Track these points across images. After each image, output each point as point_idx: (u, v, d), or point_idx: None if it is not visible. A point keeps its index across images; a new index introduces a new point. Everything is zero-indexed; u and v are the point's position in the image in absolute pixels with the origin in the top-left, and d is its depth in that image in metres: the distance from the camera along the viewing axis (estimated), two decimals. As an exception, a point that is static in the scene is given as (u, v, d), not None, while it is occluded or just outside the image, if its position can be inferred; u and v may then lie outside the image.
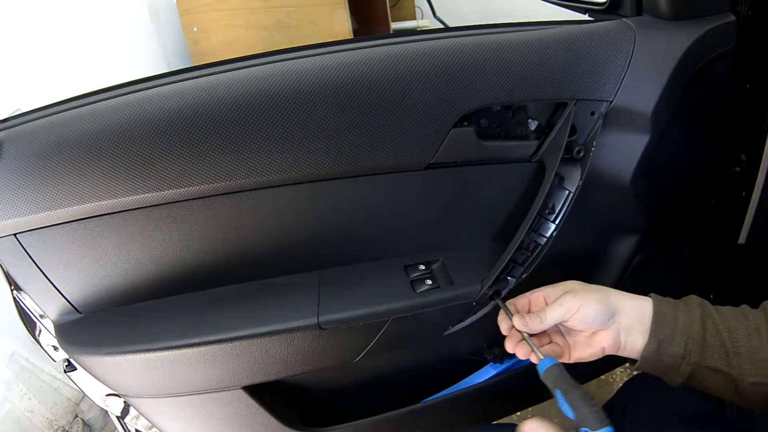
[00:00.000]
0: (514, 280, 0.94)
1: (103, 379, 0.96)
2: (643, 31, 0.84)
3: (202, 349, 0.88)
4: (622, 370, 1.89)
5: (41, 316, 0.98)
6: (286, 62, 0.84)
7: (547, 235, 0.90)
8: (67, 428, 1.85)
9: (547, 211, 0.90)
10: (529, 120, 0.88)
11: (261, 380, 0.97)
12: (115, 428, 1.95)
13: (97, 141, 0.80)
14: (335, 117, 0.81)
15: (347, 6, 2.18)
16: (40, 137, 0.82)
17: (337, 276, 0.94)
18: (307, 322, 0.88)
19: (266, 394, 1.00)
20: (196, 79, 0.84)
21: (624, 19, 0.88)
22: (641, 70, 0.83)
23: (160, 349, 0.88)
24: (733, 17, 0.84)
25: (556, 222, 0.89)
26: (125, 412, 1.08)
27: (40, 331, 1.03)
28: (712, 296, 1.27)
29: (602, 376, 1.89)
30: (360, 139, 0.82)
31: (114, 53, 2.12)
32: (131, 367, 0.92)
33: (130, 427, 1.23)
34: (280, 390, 1.03)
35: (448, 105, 0.82)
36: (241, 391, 0.97)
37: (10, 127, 0.83)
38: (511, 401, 1.25)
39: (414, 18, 2.95)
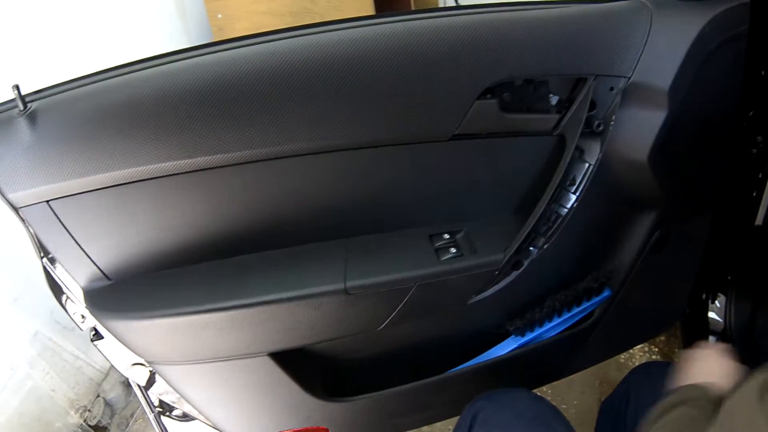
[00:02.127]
0: (536, 250, 0.96)
1: (131, 345, 0.97)
2: (659, 11, 0.87)
3: (230, 313, 0.90)
4: (642, 354, 1.89)
5: (70, 283, 0.99)
6: (318, 35, 0.86)
7: (568, 206, 0.93)
8: (88, 407, 1.87)
9: (567, 183, 0.93)
10: (550, 95, 0.91)
11: (287, 346, 0.98)
12: (138, 406, 1.96)
13: (130, 109, 0.83)
14: (364, 88, 0.83)
15: (371, -8, 2.18)
16: (74, 106, 0.84)
17: (363, 244, 0.96)
18: (335, 287, 0.90)
19: (291, 362, 1.01)
20: (231, 51, 0.86)
21: None
22: (658, 48, 0.85)
23: (189, 314, 0.90)
24: None
25: (577, 194, 0.92)
26: (150, 382, 1.09)
27: (67, 299, 1.04)
28: (729, 278, 1.27)
29: (621, 359, 1.88)
30: (387, 109, 0.85)
31: (138, 38, 2.13)
32: (160, 332, 0.93)
33: (153, 399, 1.24)
34: (304, 359, 1.04)
35: (472, 78, 0.85)
36: (267, 358, 0.98)
37: (44, 96, 0.85)
38: (530, 376, 1.26)
39: (437, 5, 2.93)
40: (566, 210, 0.93)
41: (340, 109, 0.83)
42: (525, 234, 0.93)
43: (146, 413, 1.26)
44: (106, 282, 0.93)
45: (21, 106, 0.82)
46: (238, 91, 0.82)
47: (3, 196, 0.88)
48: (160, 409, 1.26)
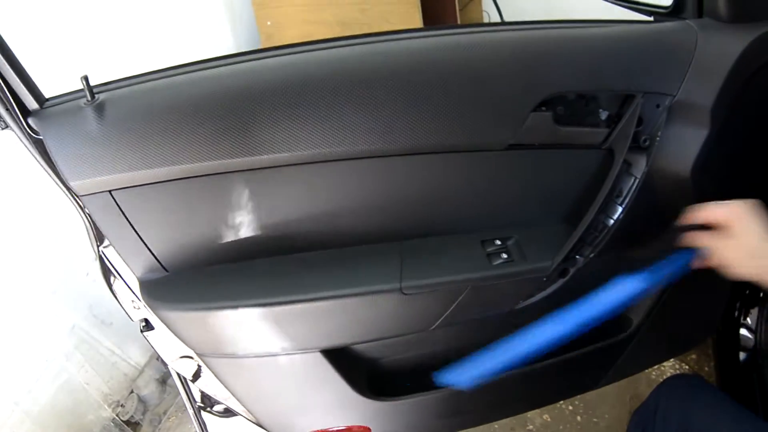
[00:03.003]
0: (582, 259, 0.98)
1: (183, 336, 0.98)
2: (704, 32, 0.89)
3: (285, 308, 0.91)
4: (673, 370, 1.88)
5: (126, 273, 1.01)
6: (382, 44, 0.90)
7: (614, 217, 0.94)
8: (122, 403, 1.88)
9: (615, 195, 0.95)
10: (600, 110, 0.93)
11: (340, 343, 1.01)
12: (172, 404, 1.97)
13: (196, 106, 0.85)
14: (426, 97, 0.86)
15: (420, 6, 2.20)
16: (141, 100, 0.86)
17: (417, 246, 0.98)
18: (391, 286, 0.92)
19: (340, 360, 1.02)
20: (294, 55, 0.89)
21: (687, 20, 0.93)
22: (702, 68, 0.87)
23: (246, 306, 0.91)
24: None
25: (623, 205, 0.94)
26: (197, 375, 1.10)
27: (120, 289, 1.05)
28: (761, 294, 1.28)
29: (653, 375, 1.86)
30: (447, 117, 0.87)
31: (188, 44, 2.18)
32: (214, 325, 0.94)
33: (195, 394, 1.25)
34: (352, 358, 1.06)
35: (528, 90, 0.87)
36: (319, 354, 1.00)
37: (112, 89, 0.88)
38: (568, 383, 1.28)
39: (482, 21, 2.95)
40: (612, 221, 0.94)
41: (402, 115, 0.86)
42: (573, 242, 0.95)
43: (186, 408, 1.27)
44: (163, 273, 0.95)
45: (89, 97, 0.84)
46: (303, 95, 0.84)
47: (65, 183, 0.90)
48: (201, 405, 1.27)
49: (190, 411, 1.29)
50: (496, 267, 0.95)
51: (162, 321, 0.97)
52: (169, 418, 1.97)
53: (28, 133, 0.85)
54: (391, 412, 1.10)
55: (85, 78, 0.83)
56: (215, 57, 0.92)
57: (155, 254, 0.93)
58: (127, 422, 1.87)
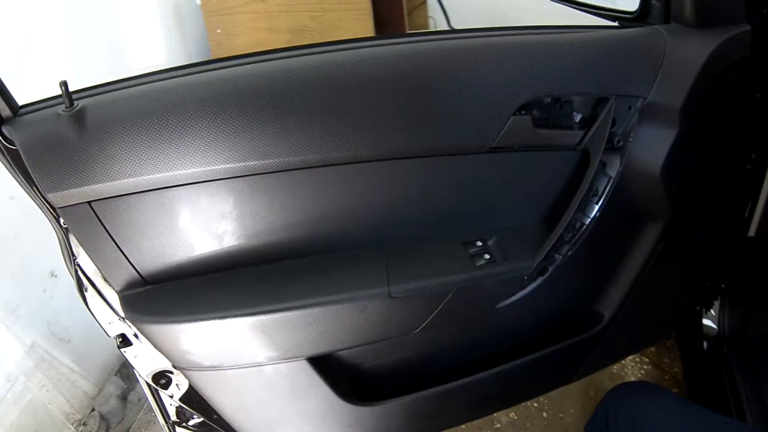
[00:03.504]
0: (560, 257, 1.01)
1: (166, 350, 0.97)
2: (673, 37, 0.93)
3: (272, 317, 0.91)
4: (633, 363, 1.95)
5: (102, 287, 0.99)
6: (361, 50, 0.90)
7: (591, 215, 0.98)
8: (84, 421, 1.84)
9: (591, 194, 0.98)
10: (575, 113, 0.96)
11: (328, 350, 1.01)
12: (134, 420, 1.94)
13: (179, 113, 0.83)
14: (410, 103, 0.87)
15: (371, 13, 2.23)
16: (121, 107, 0.84)
17: (402, 251, 0.99)
18: (379, 291, 0.93)
19: (324, 367, 1.03)
20: (277, 61, 0.89)
21: (656, 26, 0.97)
22: (672, 71, 0.91)
23: (230, 317, 0.90)
24: (748, 27, 0.92)
25: (599, 204, 0.97)
26: (175, 390, 1.10)
27: (95, 305, 1.04)
28: (723, 286, 1.36)
29: (614, 369, 1.94)
30: (433, 122, 0.89)
31: (136, 50, 2.14)
32: (198, 337, 0.94)
33: (170, 410, 1.24)
34: (336, 364, 1.06)
35: (509, 94, 0.90)
36: (304, 362, 1.00)
37: (91, 95, 0.85)
38: (544, 380, 1.32)
39: (427, 28, 3.00)
40: (589, 219, 0.98)
41: (386, 120, 0.87)
42: (553, 241, 0.99)
43: (160, 423, 1.26)
44: (143, 286, 0.94)
45: (67, 103, 0.81)
46: (286, 102, 0.85)
47: (41, 195, 0.86)
48: (177, 420, 1.26)
49: (164, 427, 1.28)
50: (480, 268, 0.98)
51: (144, 335, 0.96)
52: (133, 435, 1.94)
53: (2, 143, 0.81)
54: (373, 416, 1.11)
55: (64, 84, 0.80)
56: (196, 62, 0.91)
57: (135, 267, 0.92)
58: (92, 440, 1.83)
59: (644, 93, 0.93)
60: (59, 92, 0.84)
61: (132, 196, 0.86)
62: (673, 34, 0.94)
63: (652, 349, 1.95)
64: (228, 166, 0.85)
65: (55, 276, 1.78)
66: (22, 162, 0.82)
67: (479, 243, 1.02)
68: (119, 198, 0.85)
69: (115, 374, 2.02)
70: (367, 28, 2.23)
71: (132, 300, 0.93)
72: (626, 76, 0.93)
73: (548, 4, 1.35)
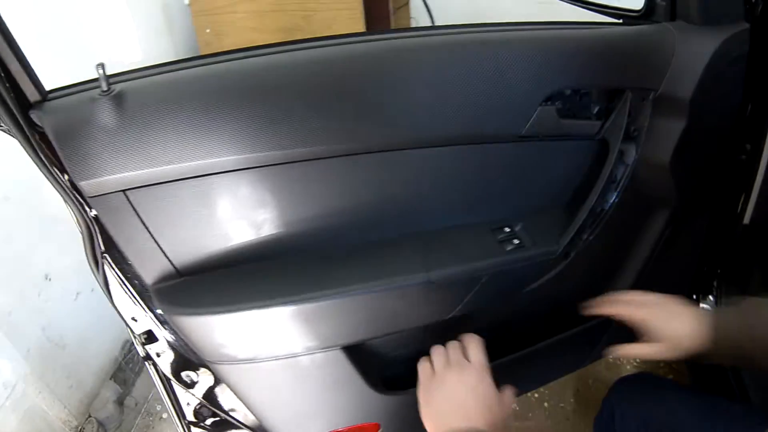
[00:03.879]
0: (582, 241, 1.06)
1: (200, 343, 0.96)
2: (681, 34, 0.98)
3: (311, 305, 0.91)
4: None
5: (132, 282, 0.98)
6: (404, 40, 0.93)
7: (610, 201, 1.03)
8: (80, 428, 1.79)
9: (610, 182, 1.03)
10: (593, 104, 1.01)
11: (364, 338, 1.02)
12: (132, 426, 1.89)
13: (219, 99, 0.82)
14: (450, 91, 0.89)
15: (363, 12, 2.24)
16: (163, 91, 0.82)
17: (435, 238, 1.02)
18: (420, 277, 0.95)
19: (357, 356, 1.03)
20: (321, 49, 0.89)
21: (664, 23, 1.02)
22: (680, 66, 0.97)
23: (269, 306, 0.90)
24: (747, 25, 0.98)
25: (617, 191, 1.02)
26: (202, 388, 1.10)
27: (120, 302, 1.02)
28: (719, 271, 1.42)
29: (610, 358, 1.97)
30: (470, 110, 0.91)
31: (125, 49, 2.10)
32: (235, 328, 0.93)
33: (185, 407, 1.22)
34: (367, 354, 1.07)
35: (537, 85, 0.93)
36: (340, 352, 1.00)
37: (128, 79, 0.83)
38: (558, 365, 1.36)
39: (410, 26, 3.03)
40: (609, 205, 1.03)
41: (426, 110, 0.89)
42: (577, 226, 1.03)
43: (175, 423, 1.24)
44: (178, 278, 0.92)
45: (104, 87, 0.78)
46: (328, 88, 0.85)
47: (70, 183, 0.84)
48: (194, 420, 1.24)
49: (179, 428, 1.26)
50: (510, 252, 1.01)
51: (177, 328, 0.94)
52: (131, 440, 1.90)
53: (29, 128, 0.78)
54: (402, 405, 1.12)
55: (102, 66, 0.77)
56: (235, 49, 0.89)
57: (170, 258, 0.90)
58: (89, 447, 1.79)
59: (656, 86, 0.97)
60: (85, 79, 0.82)
61: (168, 184, 0.84)
62: (680, 31, 0.98)
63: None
64: (262, 154, 0.84)
65: (49, 279, 1.73)
66: (49, 149, 0.79)
67: (507, 229, 1.05)
68: (155, 187, 0.83)
69: (110, 378, 1.97)
70: (359, 28, 2.23)
71: (166, 292, 0.92)
72: (640, 70, 0.98)
73: (529, 7, 1.39)
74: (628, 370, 1.96)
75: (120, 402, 1.96)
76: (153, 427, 1.92)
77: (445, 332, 1.13)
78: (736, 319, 0.90)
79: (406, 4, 3.00)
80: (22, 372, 1.61)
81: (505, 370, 1.16)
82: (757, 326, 0.86)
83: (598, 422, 1.18)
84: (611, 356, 1.15)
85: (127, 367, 2.05)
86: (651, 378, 1.18)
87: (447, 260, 0.98)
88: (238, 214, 0.90)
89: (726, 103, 1.05)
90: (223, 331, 0.94)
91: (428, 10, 2.76)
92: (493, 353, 1.13)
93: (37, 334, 1.69)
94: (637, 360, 1.97)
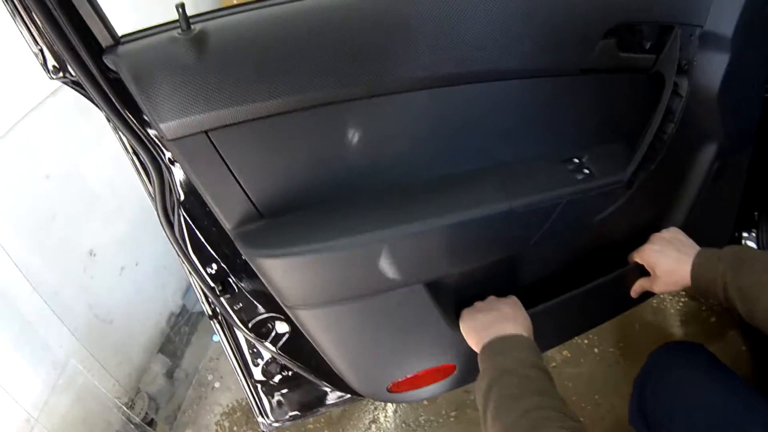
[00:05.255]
0: (644, 172, 1.07)
1: (282, 286, 0.95)
2: None
3: (394, 240, 0.91)
4: (671, 296, 2.03)
5: (208, 230, 0.97)
6: None
7: (668, 133, 1.04)
8: (130, 404, 1.79)
9: (667, 113, 1.04)
10: (645, 40, 1.03)
11: (447, 271, 1.03)
12: (184, 398, 1.90)
13: (303, 36, 0.81)
14: (525, 25, 0.90)
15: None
16: (239, 31, 0.81)
17: (510, 169, 1.02)
18: (502, 207, 0.96)
19: (437, 294, 1.03)
20: None
21: None
22: (722, 4, 0.98)
23: (352, 244, 0.90)
24: None
25: (674, 122, 1.04)
26: (276, 339, 1.12)
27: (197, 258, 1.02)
28: (762, 207, 1.46)
29: (654, 302, 2.01)
30: (539, 42, 0.92)
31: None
32: (318, 269, 0.92)
33: (256, 372, 1.22)
34: (445, 290, 1.07)
35: (599, 19, 0.95)
36: (422, 288, 1.01)
37: (208, 19, 0.82)
38: (611, 304, 1.36)
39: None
40: (667, 135, 1.04)
41: (493, 43, 0.89)
42: (640, 157, 1.05)
43: (241, 382, 1.24)
44: (260, 220, 0.91)
45: (184, 26, 0.77)
46: (411, 20, 0.84)
47: (148, 127, 0.84)
48: (262, 379, 1.24)
49: (245, 387, 1.26)
50: (581, 182, 1.02)
51: (258, 271, 0.93)
52: (184, 413, 1.90)
53: (100, 74, 0.77)
54: None
55: (181, 5, 0.76)
56: None
57: (252, 199, 0.89)
58: (143, 420, 1.79)
59: (702, 22, 0.99)
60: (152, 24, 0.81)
61: (251, 123, 0.83)
62: None
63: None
64: (342, 90, 0.83)
65: (94, 255, 1.72)
66: (121, 95, 0.79)
67: (576, 160, 1.06)
68: (238, 126, 0.82)
69: (159, 352, 1.97)
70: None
71: (248, 235, 0.91)
72: (687, 7, 0.99)
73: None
74: (673, 314, 1.97)
75: (170, 375, 1.96)
76: (206, 398, 1.92)
77: (514, 273, 1.14)
78: (709, 263, 1.01)
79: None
80: (71, 350, 1.61)
81: (561, 308, 1.18)
82: (727, 273, 0.96)
83: (638, 381, 1.22)
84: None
85: (175, 338, 2.05)
86: (693, 347, 1.20)
87: (526, 189, 0.99)
88: (321, 152, 0.90)
89: (766, 41, 1.07)
90: (306, 272, 0.93)
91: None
92: (560, 288, 1.16)
93: (84, 311, 1.69)
94: (680, 303, 1.99)
